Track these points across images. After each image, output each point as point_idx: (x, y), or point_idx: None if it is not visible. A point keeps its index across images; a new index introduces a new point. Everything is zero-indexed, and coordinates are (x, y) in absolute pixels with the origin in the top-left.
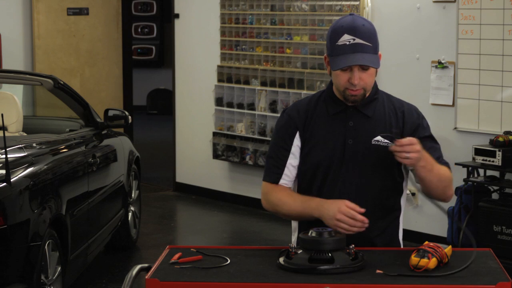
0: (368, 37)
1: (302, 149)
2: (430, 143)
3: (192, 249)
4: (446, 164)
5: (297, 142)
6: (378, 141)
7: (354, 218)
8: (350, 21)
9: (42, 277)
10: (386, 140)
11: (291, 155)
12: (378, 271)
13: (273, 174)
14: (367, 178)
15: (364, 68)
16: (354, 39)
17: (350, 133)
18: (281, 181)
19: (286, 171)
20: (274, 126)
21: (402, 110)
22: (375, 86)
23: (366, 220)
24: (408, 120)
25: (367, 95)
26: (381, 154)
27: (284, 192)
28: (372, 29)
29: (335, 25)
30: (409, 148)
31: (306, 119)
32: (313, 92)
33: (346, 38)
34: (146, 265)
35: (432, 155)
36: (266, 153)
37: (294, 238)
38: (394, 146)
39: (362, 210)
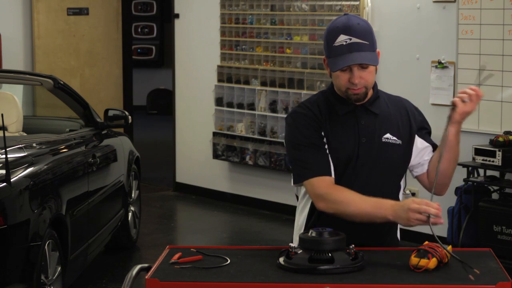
0: (364, 35)
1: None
2: (431, 139)
3: (192, 249)
4: None
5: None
6: (387, 138)
7: (428, 205)
8: (345, 21)
9: (42, 277)
10: (394, 137)
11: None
12: (471, 277)
13: (324, 168)
14: (379, 175)
15: (363, 66)
16: (350, 39)
17: (363, 131)
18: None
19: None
20: (289, 130)
21: (404, 107)
22: (375, 84)
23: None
24: (412, 116)
25: (368, 93)
26: (391, 151)
27: (350, 191)
28: (367, 27)
29: (330, 26)
30: (474, 96)
31: (321, 118)
32: (313, 92)
33: (342, 39)
34: (146, 265)
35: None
36: (295, 155)
37: (297, 238)
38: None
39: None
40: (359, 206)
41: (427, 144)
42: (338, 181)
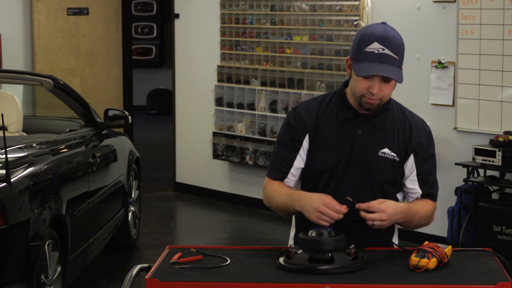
0: (397, 50)
1: (309, 151)
2: (428, 165)
3: (192, 249)
4: (432, 195)
5: (305, 144)
6: (384, 153)
7: (335, 211)
8: (382, 30)
9: (42, 277)
10: (393, 153)
11: (298, 157)
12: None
13: (278, 172)
14: (369, 187)
15: (386, 80)
16: (383, 49)
17: (358, 141)
18: (285, 180)
19: (291, 171)
20: (282, 124)
21: (411, 124)
22: (389, 98)
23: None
24: (415, 137)
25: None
26: (385, 166)
27: (278, 185)
28: (401, 42)
29: (366, 30)
30: (377, 216)
31: (316, 121)
32: (313, 92)
33: (375, 46)
34: (146, 265)
35: (424, 182)
36: (272, 150)
37: (292, 234)
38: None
39: (344, 208)
40: (277, 199)
41: (417, 188)
42: (326, 188)
